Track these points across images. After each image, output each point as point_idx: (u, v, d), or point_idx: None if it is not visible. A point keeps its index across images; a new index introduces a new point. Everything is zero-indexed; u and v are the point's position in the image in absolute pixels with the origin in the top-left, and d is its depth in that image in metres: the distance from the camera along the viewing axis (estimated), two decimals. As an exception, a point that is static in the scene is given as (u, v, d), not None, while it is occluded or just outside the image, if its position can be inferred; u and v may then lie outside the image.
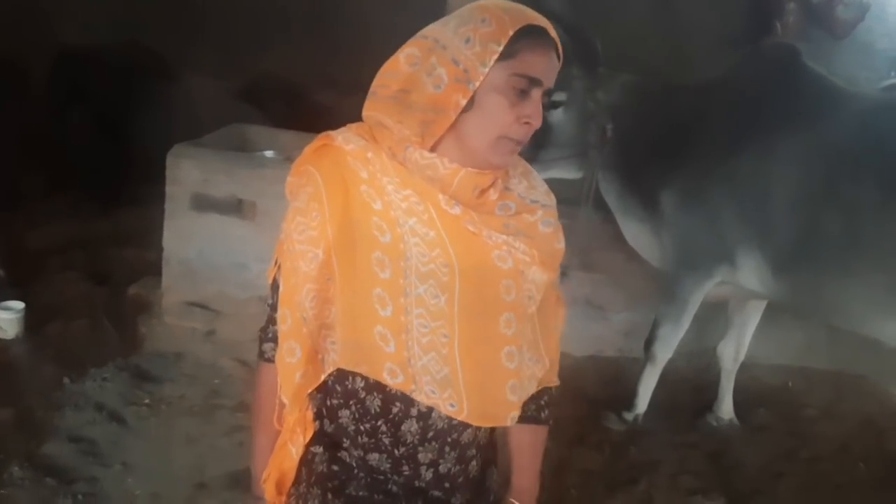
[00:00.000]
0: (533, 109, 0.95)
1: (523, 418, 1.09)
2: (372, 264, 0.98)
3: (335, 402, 1.06)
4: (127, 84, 4.84)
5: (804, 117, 2.30)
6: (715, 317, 2.88)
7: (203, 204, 3.25)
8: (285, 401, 1.05)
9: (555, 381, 1.14)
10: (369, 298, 0.98)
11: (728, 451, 2.70)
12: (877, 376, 3.11)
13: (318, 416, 1.08)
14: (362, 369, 1.01)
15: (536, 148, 2.48)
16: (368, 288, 0.98)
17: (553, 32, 0.96)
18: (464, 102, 0.94)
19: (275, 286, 1.08)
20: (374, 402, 1.02)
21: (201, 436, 2.52)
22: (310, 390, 1.04)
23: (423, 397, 0.99)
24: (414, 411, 1.01)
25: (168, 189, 3.27)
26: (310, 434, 1.08)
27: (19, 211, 3.79)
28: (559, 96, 2.53)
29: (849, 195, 2.19)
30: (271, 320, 1.10)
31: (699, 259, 2.51)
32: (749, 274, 2.41)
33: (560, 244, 1.05)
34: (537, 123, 0.96)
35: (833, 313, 2.39)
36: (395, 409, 1.02)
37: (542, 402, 1.14)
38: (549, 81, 0.96)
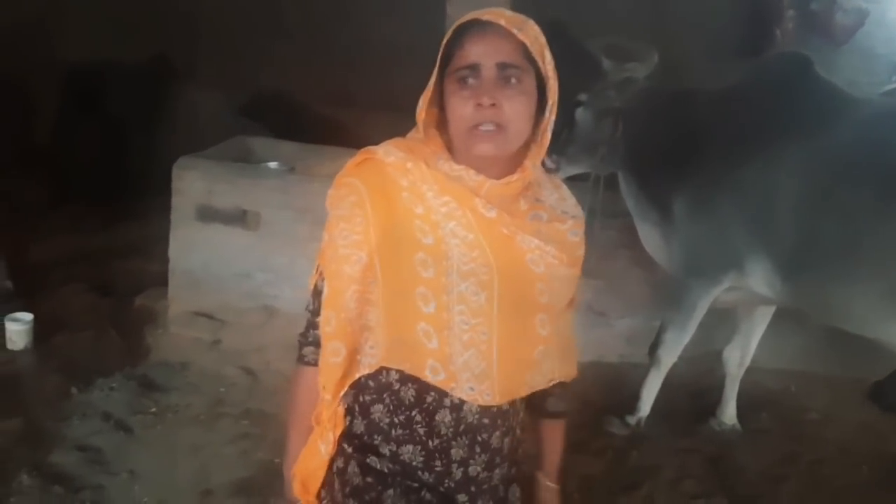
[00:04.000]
0: (479, 90, 1.00)
1: (551, 414, 1.22)
2: (415, 265, 1.03)
3: (368, 398, 1.09)
4: (132, 98, 4.90)
5: (815, 126, 2.32)
6: (718, 322, 2.89)
7: (208, 215, 3.30)
8: (328, 398, 1.09)
9: (574, 373, 1.19)
10: (412, 297, 1.03)
11: (730, 456, 2.70)
12: (877, 379, 3.11)
13: (349, 413, 1.12)
14: (405, 366, 1.05)
15: (564, 144, 2.68)
16: (412, 287, 1.03)
17: (494, 16, 1.00)
18: (423, 115, 1.06)
19: (316, 292, 1.11)
20: (409, 393, 1.06)
21: (207, 444, 2.54)
22: (346, 386, 1.09)
23: (462, 394, 1.04)
24: (447, 401, 1.06)
25: (173, 200, 3.31)
26: (339, 431, 1.11)
27: (25, 224, 3.84)
28: (581, 97, 2.72)
29: (851, 201, 2.21)
30: (312, 325, 1.13)
31: (708, 266, 2.53)
32: (759, 280, 2.43)
33: (582, 252, 1.13)
34: (489, 100, 0.99)
35: (838, 317, 2.41)
36: (429, 399, 1.06)
37: (566, 398, 1.23)
38: (494, 58, 1.00)
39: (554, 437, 1.26)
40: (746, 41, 5.13)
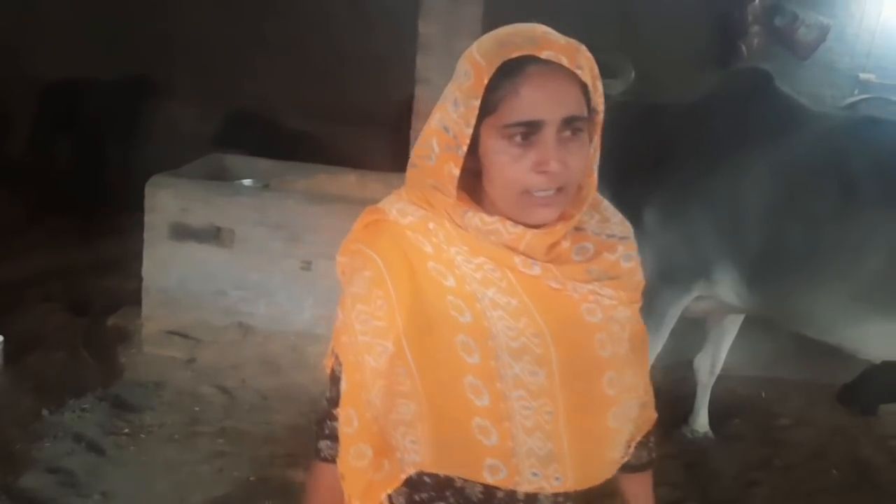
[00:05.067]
0: (543, 154, 0.82)
1: (637, 467, 1.03)
2: (457, 349, 0.87)
3: (424, 495, 0.92)
4: (106, 115, 4.88)
5: (775, 137, 2.41)
6: (690, 330, 2.94)
7: (182, 233, 3.29)
8: None
9: (654, 417, 1.04)
10: (460, 389, 0.87)
11: (704, 462, 2.74)
12: (845, 382, 3.18)
13: None
14: (460, 471, 0.89)
15: None
16: (457, 377, 0.87)
17: (554, 50, 0.82)
18: (456, 172, 0.84)
19: (333, 378, 0.96)
20: (475, 490, 0.90)
21: (182, 463, 2.52)
22: (388, 492, 0.92)
23: (526, 486, 0.89)
24: (520, 494, 0.90)
25: (147, 219, 3.30)
26: None
27: (-1, 242, 3.79)
28: None
29: (812, 209, 2.29)
30: (329, 415, 0.97)
31: (678, 274, 2.58)
32: (726, 288, 2.49)
33: (640, 275, 0.96)
34: (556, 167, 0.82)
35: (802, 323, 2.48)
36: (499, 495, 0.90)
37: (651, 445, 1.06)
38: (560, 112, 0.82)
39: (642, 492, 1.07)
40: (714, 56, 5.27)
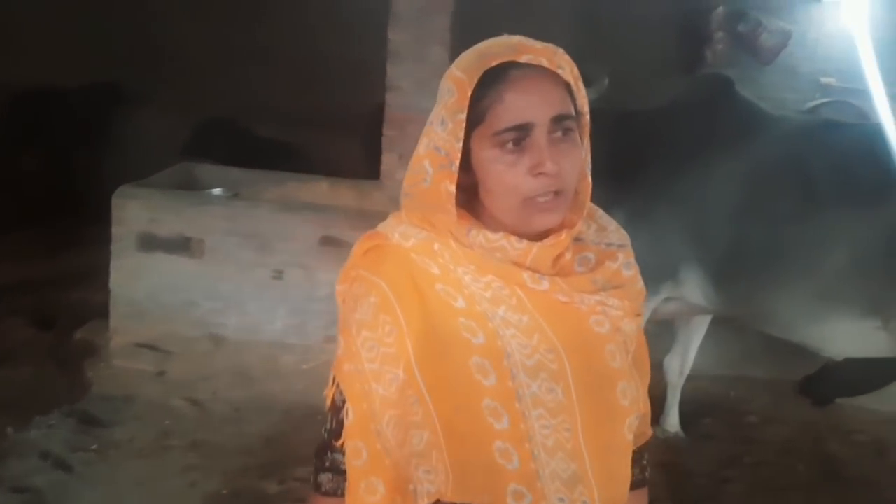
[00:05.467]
0: (537, 156, 0.81)
1: (633, 485, 0.95)
2: (472, 372, 0.85)
3: None
4: (73, 124, 4.80)
5: (736, 141, 2.47)
6: (659, 332, 2.98)
7: (150, 244, 3.25)
8: None
9: (649, 433, 1.00)
10: (478, 413, 0.84)
11: (676, 461, 2.78)
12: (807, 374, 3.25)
13: None
14: (480, 500, 0.85)
15: None
16: (474, 401, 0.85)
17: (533, 53, 0.82)
18: (452, 188, 0.83)
19: (334, 409, 0.91)
20: None
21: (152, 478, 2.47)
22: None
23: None
24: None
25: (114, 230, 3.25)
26: None
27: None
28: None
29: (775, 211, 2.35)
30: (329, 447, 0.92)
31: (646, 276, 2.61)
32: (693, 289, 2.54)
33: (641, 284, 0.95)
34: (551, 168, 0.81)
35: (767, 322, 2.54)
36: None
37: (645, 463, 1.01)
38: (548, 111, 0.82)
39: None
40: (680, 62, 5.36)
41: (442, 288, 0.86)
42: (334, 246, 3.17)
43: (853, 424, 3.09)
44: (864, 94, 4.47)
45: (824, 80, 5.57)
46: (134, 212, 3.25)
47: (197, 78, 4.91)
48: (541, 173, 0.81)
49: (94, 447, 2.62)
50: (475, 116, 0.83)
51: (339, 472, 0.90)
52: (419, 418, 0.85)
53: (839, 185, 2.33)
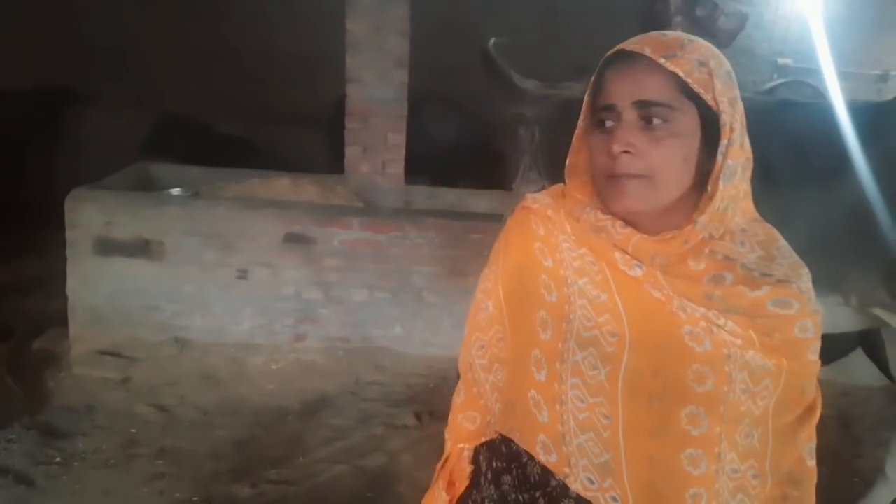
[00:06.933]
0: (610, 138, 0.86)
1: None
2: (536, 323, 0.93)
3: (499, 465, 0.99)
4: (24, 126, 4.64)
5: None
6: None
7: (107, 247, 3.15)
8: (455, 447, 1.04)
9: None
10: (527, 359, 0.94)
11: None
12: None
13: (483, 478, 1.01)
14: (515, 435, 0.95)
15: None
16: (529, 348, 0.94)
17: (642, 43, 0.86)
18: (569, 161, 0.96)
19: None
20: (535, 471, 0.93)
21: (119, 489, 2.40)
22: (480, 441, 1.02)
23: (578, 486, 0.88)
24: (572, 493, 0.90)
25: (68, 235, 3.14)
26: (462, 488, 1.02)
27: None
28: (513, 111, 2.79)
29: None
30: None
31: None
32: None
33: (804, 333, 0.86)
34: (620, 146, 0.84)
35: None
36: (553, 483, 0.91)
37: None
38: (630, 96, 0.84)
39: None
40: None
41: (539, 247, 0.95)
42: (299, 242, 3.10)
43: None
44: (820, 73, 4.56)
45: (781, 60, 5.67)
46: (88, 215, 3.14)
47: (153, 75, 4.78)
48: (612, 154, 0.85)
49: (57, 460, 2.53)
50: (594, 86, 0.91)
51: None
52: (504, 354, 0.99)
53: (796, 164, 2.35)
